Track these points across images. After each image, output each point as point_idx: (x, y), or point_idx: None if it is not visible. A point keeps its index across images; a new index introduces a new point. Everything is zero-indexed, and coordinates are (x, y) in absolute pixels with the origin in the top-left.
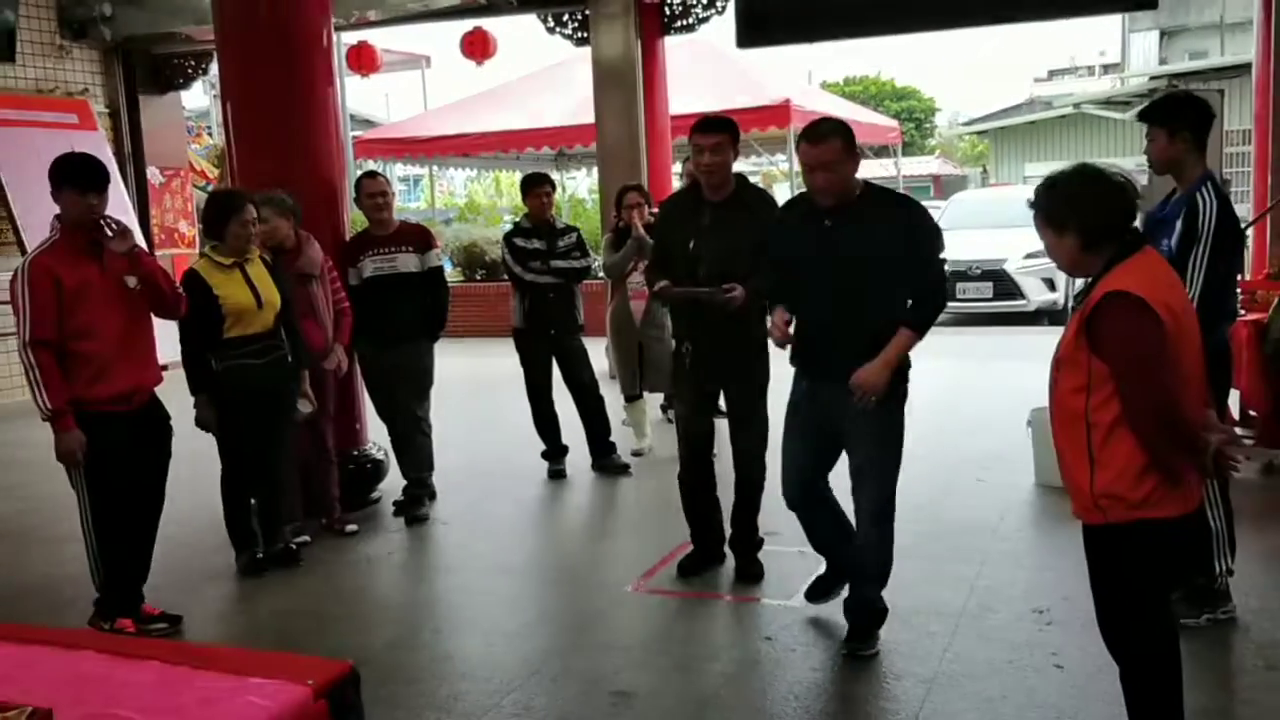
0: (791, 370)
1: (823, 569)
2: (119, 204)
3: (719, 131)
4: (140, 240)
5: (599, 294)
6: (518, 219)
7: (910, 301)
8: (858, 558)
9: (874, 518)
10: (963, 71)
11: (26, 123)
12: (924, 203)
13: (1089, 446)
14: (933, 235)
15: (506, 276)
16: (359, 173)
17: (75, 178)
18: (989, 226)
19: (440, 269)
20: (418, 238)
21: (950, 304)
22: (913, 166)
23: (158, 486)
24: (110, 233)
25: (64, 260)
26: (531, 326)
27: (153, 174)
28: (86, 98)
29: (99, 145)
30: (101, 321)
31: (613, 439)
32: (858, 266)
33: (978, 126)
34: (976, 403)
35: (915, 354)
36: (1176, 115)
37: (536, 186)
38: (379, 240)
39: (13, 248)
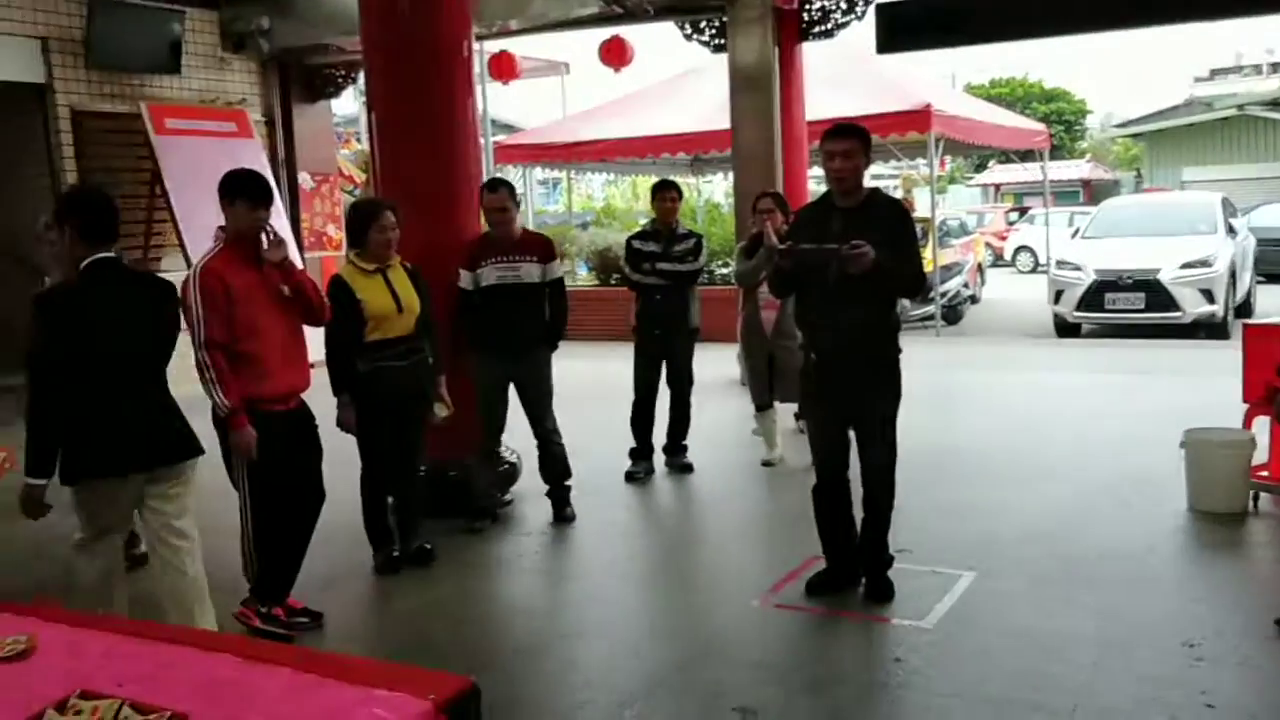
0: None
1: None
2: (274, 209)
3: (849, 137)
4: (293, 248)
5: (731, 300)
6: (647, 223)
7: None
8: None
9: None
10: (1117, 71)
11: (190, 131)
12: (1072, 208)
13: None
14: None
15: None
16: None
17: (248, 192)
18: (1142, 234)
19: (562, 280)
20: (541, 248)
21: (1098, 315)
22: (1061, 171)
23: (317, 483)
24: (267, 242)
25: (230, 267)
26: (641, 326)
27: (304, 179)
28: (244, 107)
29: (255, 152)
30: (264, 324)
31: (686, 443)
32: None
33: (1132, 129)
34: (1126, 421)
35: (1060, 368)
36: None
37: (662, 192)
38: (504, 246)
39: (175, 250)
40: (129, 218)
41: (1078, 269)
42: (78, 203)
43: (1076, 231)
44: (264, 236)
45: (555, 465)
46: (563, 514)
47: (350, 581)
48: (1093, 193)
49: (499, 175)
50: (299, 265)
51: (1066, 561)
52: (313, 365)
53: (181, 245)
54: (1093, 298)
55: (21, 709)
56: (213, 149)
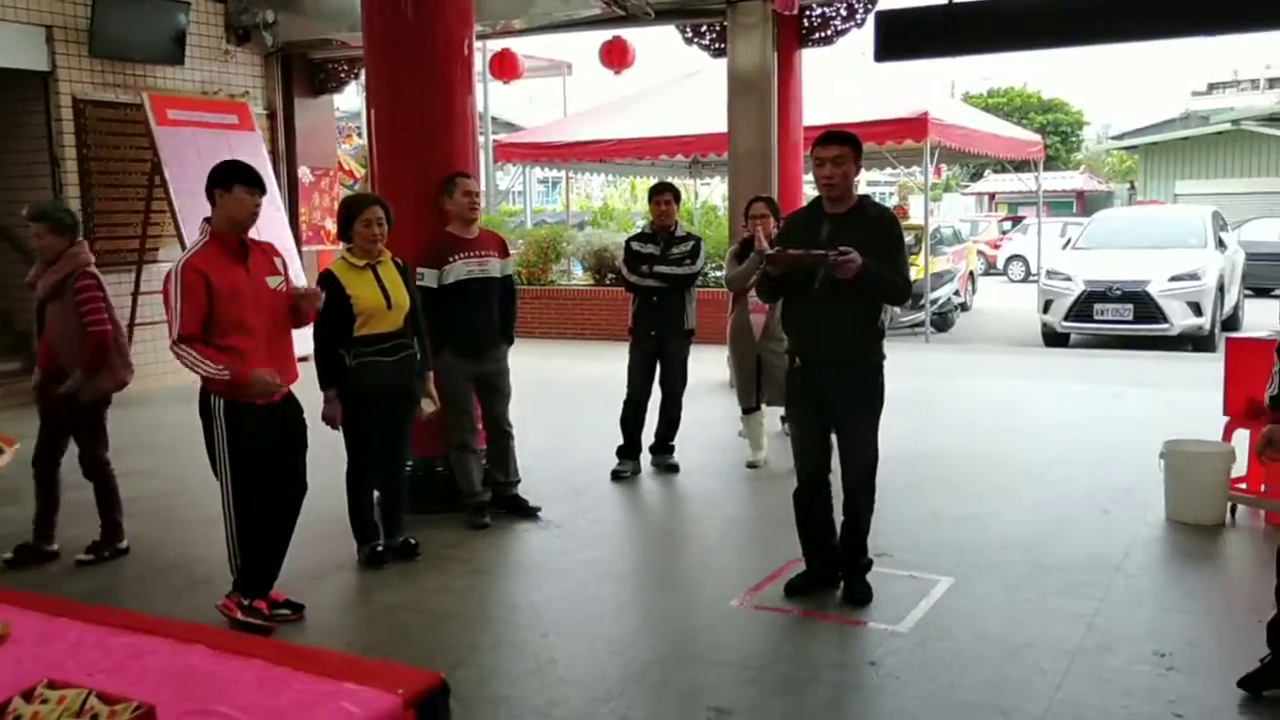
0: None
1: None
2: (270, 202)
3: (839, 144)
4: (291, 246)
5: (722, 303)
6: (645, 225)
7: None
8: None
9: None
10: (1115, 83)
11: (192, 123)
12: (1065, 219)
13: None
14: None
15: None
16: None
17: (247, 178)
18: (1132, 246)
19: (514, 276)
20: (498, 244)
21: (1087, 325)
22: (1055, 181)
23: (300, 476)
24: (304, 294)
25: (214, 262)
26: (636, 326)
27: (303, 173)
28: (247, 100)
29: (256, 145)
30: (250, 321)
31: (673, 443)
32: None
33: (1127, 141)
34: (1108, 431)
35: (1046, 377)
36: None
37: (657, 194)
38: (467, 243)
39: (173, 240)
40: (128, 208)
41: (1068, 279)
42: None
43: (1068, 242)
44: (298, 290)
45: (511, 462)
46: (528, 508)
47: (334, 575)
48: (1086, 204)
49: (481, 174)
50: (297, 267)
51: (1043, 569)
52: (302, 359)
53: (179, 236)
54: (1082, 308)
55: None
56: (213, 141)
